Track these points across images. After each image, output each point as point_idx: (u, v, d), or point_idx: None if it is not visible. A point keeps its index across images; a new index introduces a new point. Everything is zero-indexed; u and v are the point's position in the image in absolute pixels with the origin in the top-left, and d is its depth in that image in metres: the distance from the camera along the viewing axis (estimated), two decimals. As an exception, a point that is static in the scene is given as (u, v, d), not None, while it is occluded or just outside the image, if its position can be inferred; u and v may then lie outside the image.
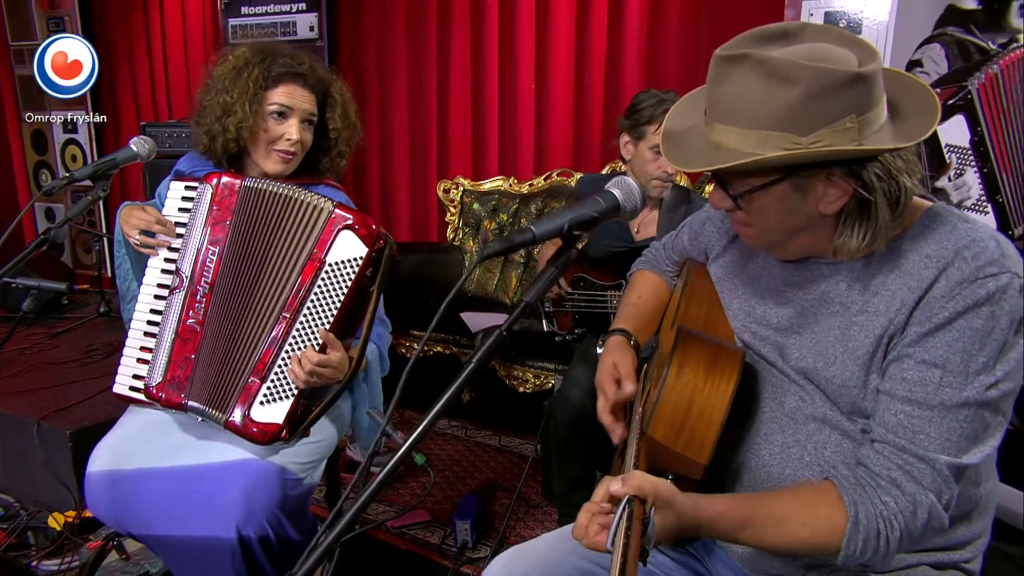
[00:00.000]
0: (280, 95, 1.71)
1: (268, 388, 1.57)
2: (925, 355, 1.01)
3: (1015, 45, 2.28)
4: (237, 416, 1.57)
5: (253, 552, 1.56)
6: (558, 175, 3.66)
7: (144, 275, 1.73)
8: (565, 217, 1.03)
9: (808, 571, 1.15)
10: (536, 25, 3.73)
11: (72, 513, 2.46)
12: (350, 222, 1.54)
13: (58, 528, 2.43)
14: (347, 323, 1.57)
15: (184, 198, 1.72)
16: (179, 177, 1.78)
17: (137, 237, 1.68)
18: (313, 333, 1.54)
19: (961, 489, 1.04)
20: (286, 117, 1.72)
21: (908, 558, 1.12)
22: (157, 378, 1.62)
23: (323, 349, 1.53)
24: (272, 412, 1.56)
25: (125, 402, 1.74)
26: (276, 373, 1.56)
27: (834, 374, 1.10)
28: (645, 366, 1.47)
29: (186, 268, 1.65)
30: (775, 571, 1.17)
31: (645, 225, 2.48)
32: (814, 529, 1.01)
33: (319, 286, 1.54)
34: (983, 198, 2.35)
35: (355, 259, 1.53)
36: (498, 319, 3.19)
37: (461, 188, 3.77)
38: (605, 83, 3.62)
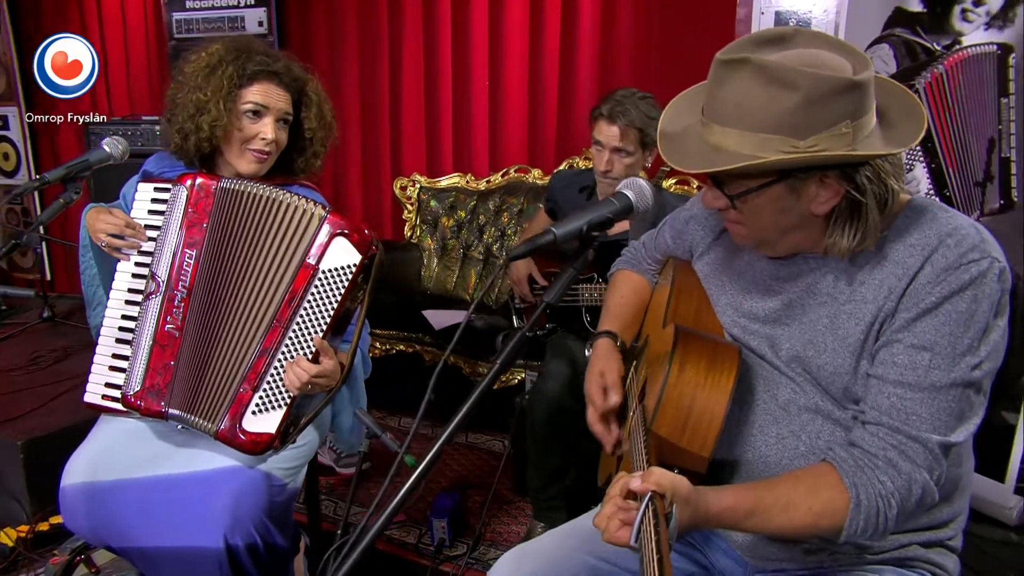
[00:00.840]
0: (255, 93, 1.67)
1: (261, 398, 1.54)
2: (914, 339, 1.06)
3: (958, 47, 2.39)
4: (227, 426, 1.53)
5: (240, 560, 1.53)
6: (516, 171, 3.67)
7: (113, 280, 1.67)
8: (583, 219, 1.05)
9: (807, 555, 1.19)
10: (489, 21, 3.73)
11: (25, 528, 2.36)
12: (344, 229, 1.52)
13: (10, 544, 2.33)
14: (338, 329, 1.56)
15: (154, 200, 1.67)
16: (147, 178, 1.72)
17: (105, 240, 1.62)
18: (306, 341, 1.52)
19: (947, 468, 1.10)
20: (261, 116, 1.68)
21: (900, 538, 1.17)
22: (135, 386, 1.57)
23: (316, 357, 1.51)
24: (265, 422, 1.54)
25: (97, 411, 1.68)
26: (269, 382, 1.54)
27: (826, 362, 1.14)
28: (634, 363, 1.50)
29: (162, 272, 1.60)
30: (774, 557, 1.21)
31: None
32: (818, 513, 1.05)
33: (312, 294, 1.52)
34: (931, 192, 2.46)
35: (349, 266, 1.52)
36: (459, 316, 3.19)
37: (418, 185, 3.75)
38: (559, 80, 3.65)
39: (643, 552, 0.90)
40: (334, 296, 1.52)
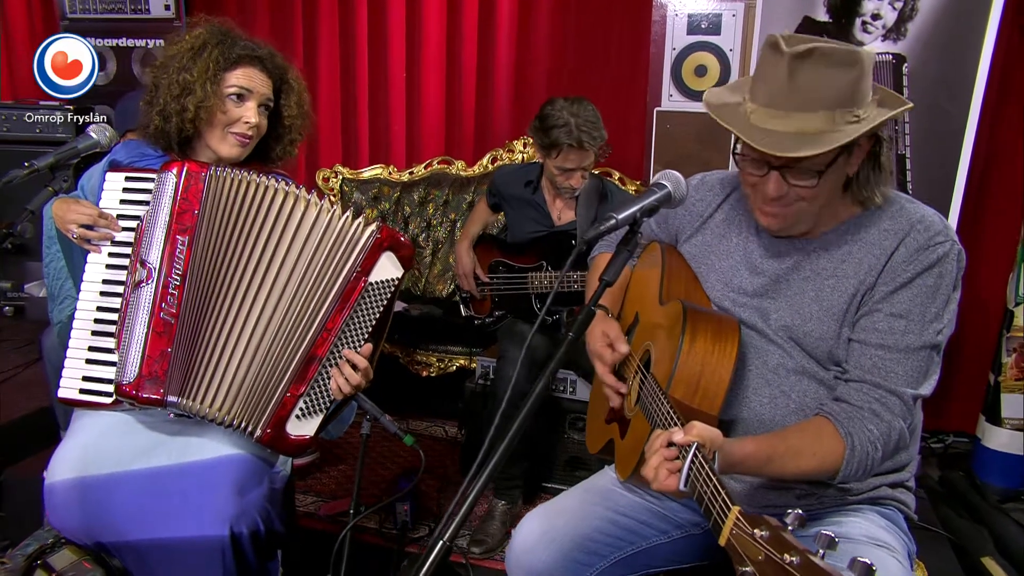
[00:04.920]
0: (239, 77, 1.68)
1: (306, 402, 1.59)
2: (892, 309, 1.28)
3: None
4: (271, 429, 1.57)
5: (243, 548, 1.54)
6: (439, 163, 3.73)
7: (84, 272, 1.63)
8: (636, 206, 1.18)
9: (799, 500, 1.37)
10: (407, 11, 3.77)
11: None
12: (393, 244, 1.60)
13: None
14: (376, 335, 1.63)
15: (126, 189, 1.65)
16: (116, 168, 1.69)
17: (77, 232, 1.59)
18: (351, 346, 1.59)
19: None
20: (244, 100, 1.69)
21: (873, 480, 1.39)
22: (131, 375, 1.55)
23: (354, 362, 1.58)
24: (307, 426, 1.59)
25: (73, 407, 1.64)
26: (315, 388, 1.58)
27: (812, 329, 1.33)
28: (626, 337, 1.63)
29: (153, 259, 1.58)
30: (770, 504, 1.39)
31: (565, 211, 2.65)
32: (821, 457, 1.24)
33: (360, 304, 1.58)
34: (840, 185, 2.76)
35: (393, 279, 1.60)
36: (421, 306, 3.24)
37: (340, 176, 3.74)
38: (477, 71, 3.74)
39: (700, 492, 1.03)
40: (378, 307, 1.60)
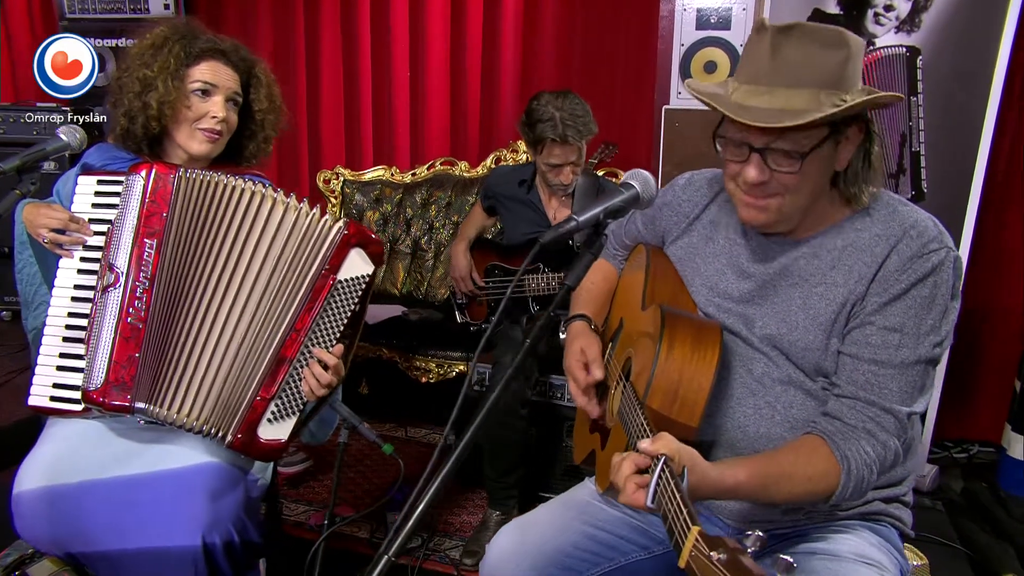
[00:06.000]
0: (203, 72, 1.68)
1: (277, 406, 1.57)
2: (885, 322, 1.22)
3: (872, 48, 2.63)
4: (243, 435, 1.56)
5: (216, 559, 1.53)
6: (442, 164, 3.71)
7: (56, 278, 1.63)
8: (601, 207, 1.14)
9: (785, 515, 1.33)
10: (410, 9, 3.76)
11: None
12: (362, 240, 1.58)
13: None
14: (347, 335, 1.62)
15: (98, 193, 1.64)
16: (88, 171, 1.68)
17: (48, 236, 1.58)
18: (323, 345, 1.57)
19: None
20: (210, 95, 1.69)
21: (866, 495, 1.33)
22: (97, 381, 1.54)
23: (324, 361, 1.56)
24: (279, 429, 1.57)
25: (43, 414, 1.63)
26: (286, 391, 1.57)
27: (798, 338, 1.28)
28: (610, 344, 1.60)
29: (121, 263, 1.57)
30: (756, 519, 1.34)
31: (560, 210, 2.62)
32: (816, 482, 1.19)
33: (330, 303, 1.57)
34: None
35: (364, 276, 1.58)
36: (394, 310, 3.22)
37: (341, 179, 3.73)
38: (482, 70, 3.72)
39: (665, 509, 0.99)
40: (349, 305, 1.58)
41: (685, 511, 0.94)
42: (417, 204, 3.65)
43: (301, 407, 1.58)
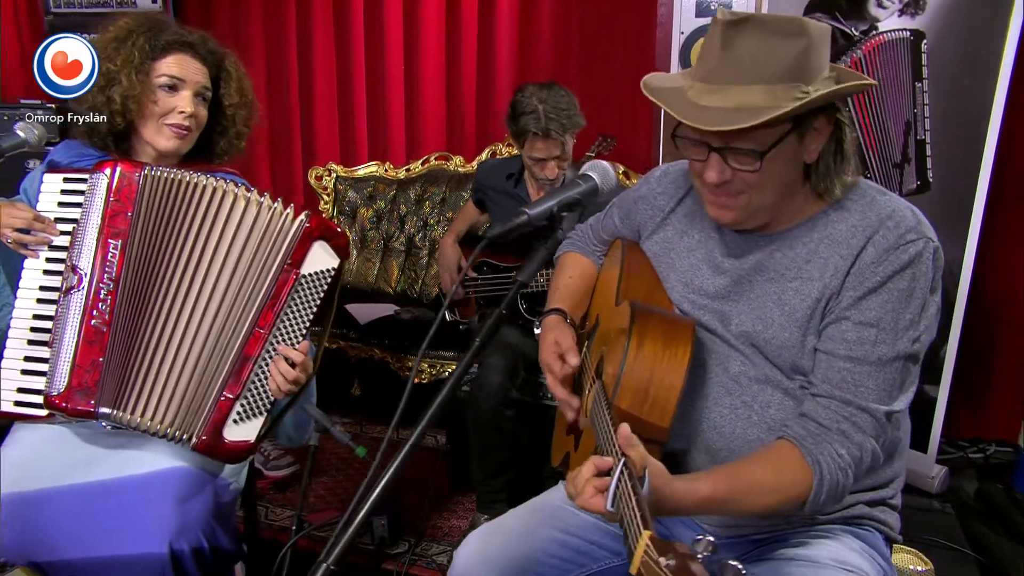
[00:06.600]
0: (169, 66, 1.68)
1: (243, 405, 1.57)
2: (861, 316, 1.19)
3: (875, 32, 2.60)
4: (208, 436, 1.55)
5: (184, 566, 1.53)
6: (436, 159, 3.71)
7: (20, 279, 1.63)
8: (554, 200, 1.13)
9: (764, 519, 1.31)
10: (404, 1, 3.74)
11: None
12: (324, 233, 1.58)
13: None
14: (311, 329, 1.61)
15: (64, 191, 1.65)
16: (55, 169, 1.69)
17: (12, 236, 1.59)
18: (287, 342, 1.57)
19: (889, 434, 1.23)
20: (177, 90, 1.68)
21: (849, 498, 1.31)
22: (60, 386, 1.54)
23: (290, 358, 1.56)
24: (246, 430, 1.57)
25: (8, 420, 1.64)
26: (251, 389, 1.57)
27: (773, 336, 1.26)
28: (585, 343, 1.59)
29: (84, 264, 1.58)
30: (733, 523, 1.33)
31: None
32: (786, 492, 1.17)
33: (293, 299, 1.57)
34: (853, 174, 2.67)
35: (328, 270, 1.58)
36: (386, 309, 3.22)
37: (334, 175, 3.74)
38: (478, 63, 3.70)
39: (622, 513, 0.98)
40: (314, 300, 1.58)
41: (639, 515, 0.93)
42: (411, 200, 3.65)
43: (268, 406, 1.58)
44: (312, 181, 3.70)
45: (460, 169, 3.65)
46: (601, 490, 1.05)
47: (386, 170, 3.76)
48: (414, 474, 2.84)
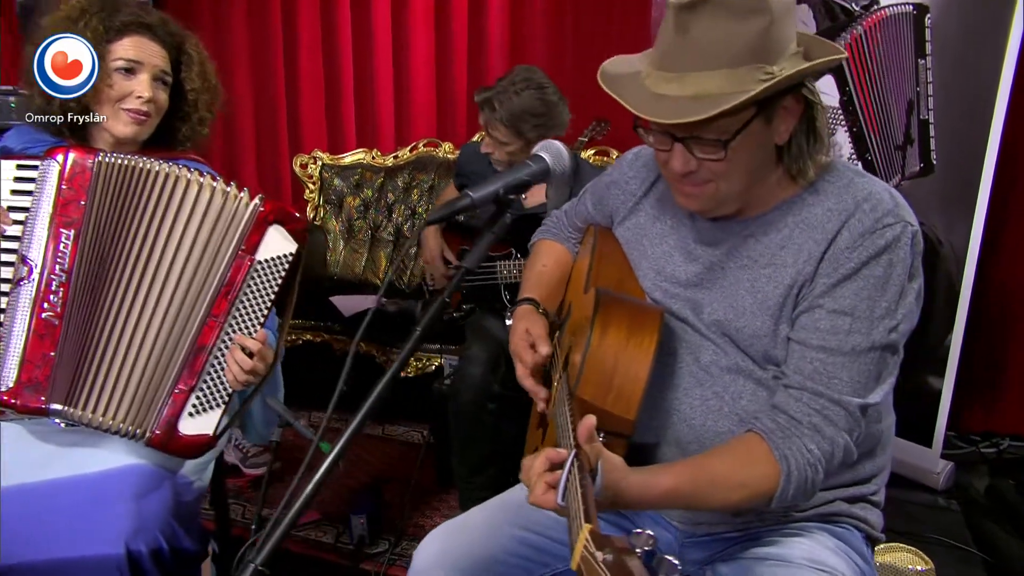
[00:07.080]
0: (126, 48, 1.65)
1: (199, 398, 1.55)
2: (834, 304, 1.15)
3: (876, 7, 2.55)
4: (162, 431, 1.54)
5: (143, 568, 1.51)
6: (424, 145, 3.68)
7: None
8: (500, 182, 1.10)
9: (736, 517, 1.28)
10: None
11: None
12: (279, 217, 1.55)
13: None
14: (269, 317, 1.59)
15: (17, 179, 1.62)
16: (8, 156, 1.67)
17: None
18: (244, 332, 1.55)
19: (866, 427, 1.20)
20: (135, 73, 1.66)
21: (825, 495, 1.28)
22: (8, 382, 1.53)
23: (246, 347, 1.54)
24: (203, 423, 1.55)
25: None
26: (207, 381, 1.55)
27: (745, 324, 1.23)
28: (557, 333, 1.56)
29: (35, 255, 1.55)
30: (705, 521, 1.30)
31: (533, 193, 2.56)
32: (752, 488, 1.14)
33: (249, 286, 1.55)
34: (853, 157, 2.62)
35: (285, 255, 1.56)
36: (370, 301, 3.21)
37: (320, 163, 3.72)
38: (468, 47, 3.67)
39: (570, 506, 0.95)
40: (271, 287, 1.55)
41: (583, 508, 0.90)
42: (399, 188, 3.63)
43: (226, 398, 1.56)
44: (297, 169, 3.69)
45: (449, 156, 3.63)
46: (553, 485, 1.03)
47: (373, 157, 3.74)
48: (396, 471, 2.83)
